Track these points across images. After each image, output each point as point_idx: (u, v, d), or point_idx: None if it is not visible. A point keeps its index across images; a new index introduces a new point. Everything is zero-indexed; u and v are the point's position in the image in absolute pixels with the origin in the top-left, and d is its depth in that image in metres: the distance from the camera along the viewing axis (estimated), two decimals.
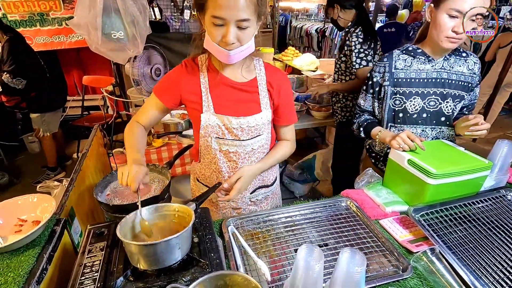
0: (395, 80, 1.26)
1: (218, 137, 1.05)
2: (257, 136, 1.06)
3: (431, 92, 1.24)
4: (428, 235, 0.91)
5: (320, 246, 0.96)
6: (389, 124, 1.32)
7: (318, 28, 7.01)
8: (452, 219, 0.99)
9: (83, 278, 0.69)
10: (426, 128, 1.28)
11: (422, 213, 1.00)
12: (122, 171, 0.89)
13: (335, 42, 6.44)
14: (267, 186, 1.22)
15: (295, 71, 3.62)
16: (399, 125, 1.29)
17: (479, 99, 3.87)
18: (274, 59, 4.08)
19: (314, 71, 3.38)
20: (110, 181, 1.29)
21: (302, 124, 2.36)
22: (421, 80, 1.24)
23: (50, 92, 2.76)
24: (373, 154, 1.45)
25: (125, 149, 1.00)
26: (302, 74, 3.27)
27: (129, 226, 0.77)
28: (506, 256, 0.87)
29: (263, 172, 1.16)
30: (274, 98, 1.06)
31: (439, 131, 1.28)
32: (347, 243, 0.96)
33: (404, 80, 1.25)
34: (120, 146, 2.00)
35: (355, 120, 1.40)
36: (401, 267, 0.87)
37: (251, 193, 1.18)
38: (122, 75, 2.31)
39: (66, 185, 1.24)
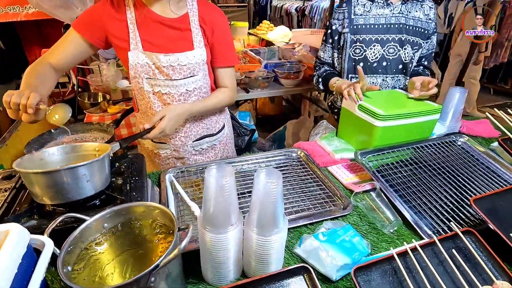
0: (355, 26, 1.21)
1: (149, 78, 0.97)
2: (191, 76, 0.99)
3: (390, 38, 1.20)
4: (371, 174, 0.88)
5: None
6: (350, 75, 1.27)
7: (297, 7, 6.87)
8: (399, 161, 0.97)
9: None
10: (386, 77, 1.24)
11: (369, 156, 0.97)
12: (11, 93, 0.72)
13: (315, 20, 6.35)
14: (212, 135, 1.16)
15: (269, 44, 3.52)
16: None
17: (449, 71, 3.85)
18: (248, 33, 3.97)
19: (287, 42, 3.30)
20: (48, 140, 1.19)
21: (270, 92, 2.29)
22: (380, 26, 1.19)
23: (3, 64, 2.56)
24: (336, 110, 1.40)
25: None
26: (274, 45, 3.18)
27: (37, 163, 0.69)
28: (445, 196, 0.85)
29: (204, 119, 1.10)
30: (208, 35, 0.98)
31: (396, 80, 1.25)
32: (290, 188, 0.92)
33: (363, 26, 1.20)
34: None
35: (314, 73, 1.34)
36: (342, 206, 0.84)
37: (193, 141, 1.12)
38: None
39: None
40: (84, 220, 0.56)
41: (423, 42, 1.23)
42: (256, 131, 2.52)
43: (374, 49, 1.20)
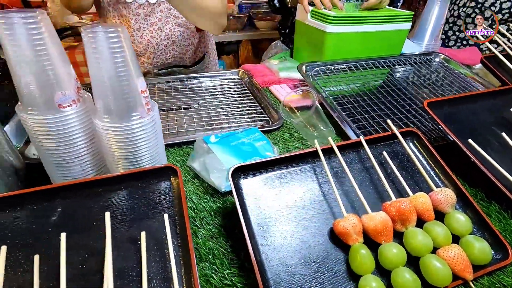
0: None
1: None
2: None
3: None
4: (310, 85, 0.71)
5: (185, 108, 0.75)
6: None
7: None
8: (353, 76, 0.79)
9: None
10: None
11: (316, 69, 0.79)
12: None
13: None
14: (184, 67, 1.00)
15: None
16: None
17: None
18: None
19: None
20: None
21: (244, 35, 2.06)
22: None
23: None
24: (282, 31, 1.20)
25: None
26: None
27: None
28: (396, 115, 0.69)
29: (176, 43, 0.92)
30: None
31: None
32: (217, 106, 0.75)
33: None
34: None
35: None
36: (271, 122, 0.68)
37: (160, 70, 0.97)
38: None
39: None
40: None
41: None
42: None
43: None
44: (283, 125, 0.67)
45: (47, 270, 0.31)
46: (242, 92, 0.82)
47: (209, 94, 0.81)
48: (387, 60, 0.85)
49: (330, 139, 0.45)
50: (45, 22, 0.36)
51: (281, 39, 1.18)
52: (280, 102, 0.77)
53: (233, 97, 0.79)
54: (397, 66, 0.85)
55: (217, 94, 0.81)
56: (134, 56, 0.40)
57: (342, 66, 0.81)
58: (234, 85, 0.87)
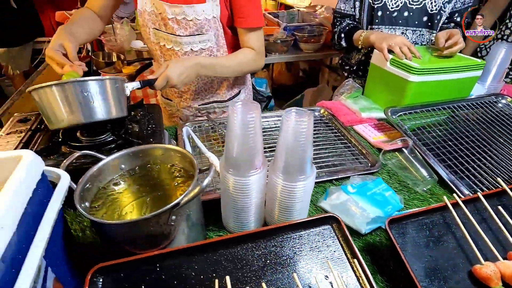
0: None
1: (156, 29, 0.91)
2: (198, 34, 0.89)
3: None
4: (401, 131, 0.81)
5: None
6: (369, 26, 1.15)
7: None
8: (434, 120, 0.89)
9: None
10: (406, 30, 1.12)
11: (400, 113, 0.90)
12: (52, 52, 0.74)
13: None
14: (221, 101, 1.08)
15: (287, 8, 3.32)
16: (376, 26, 1.12)
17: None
18: None
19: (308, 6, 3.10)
20: None
21: (288, 57, 2.18)
22: None
23: (17, 25, 2.52)
24: (347, 67, 1.30)
25: None
26: (294, 8, 2.99)
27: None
28: (485, 157, 0.78)
29: (215, 84, 1.03)
30: None
31: (419, 35, 1.13)
32: (314, 144, 0.87)
33: None
34: None
35: (335, 29, 1.23)
36: (370, 164, 0.79)
37: (200, 105, 1.06)
38: None
39: None
40: (101, 159, 0.53)
41: None
42: (273, 99, 2.45)
43: None
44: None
45: None
46: (331, 131, 0.93)
47: None
48: (460, 103, 0.95)
49: (455, 195, 0.55)
50: (257, 112, 0.48)
51: (346, 74, 1.29)
52: (369, 143, 0.88)
53: (326, 137, 0.90)
54: (469, 109, 0.95)
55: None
56: (312, 131, 0.52)
57: (421, 109, 0.91)
58: (320, 123, 0.98)
